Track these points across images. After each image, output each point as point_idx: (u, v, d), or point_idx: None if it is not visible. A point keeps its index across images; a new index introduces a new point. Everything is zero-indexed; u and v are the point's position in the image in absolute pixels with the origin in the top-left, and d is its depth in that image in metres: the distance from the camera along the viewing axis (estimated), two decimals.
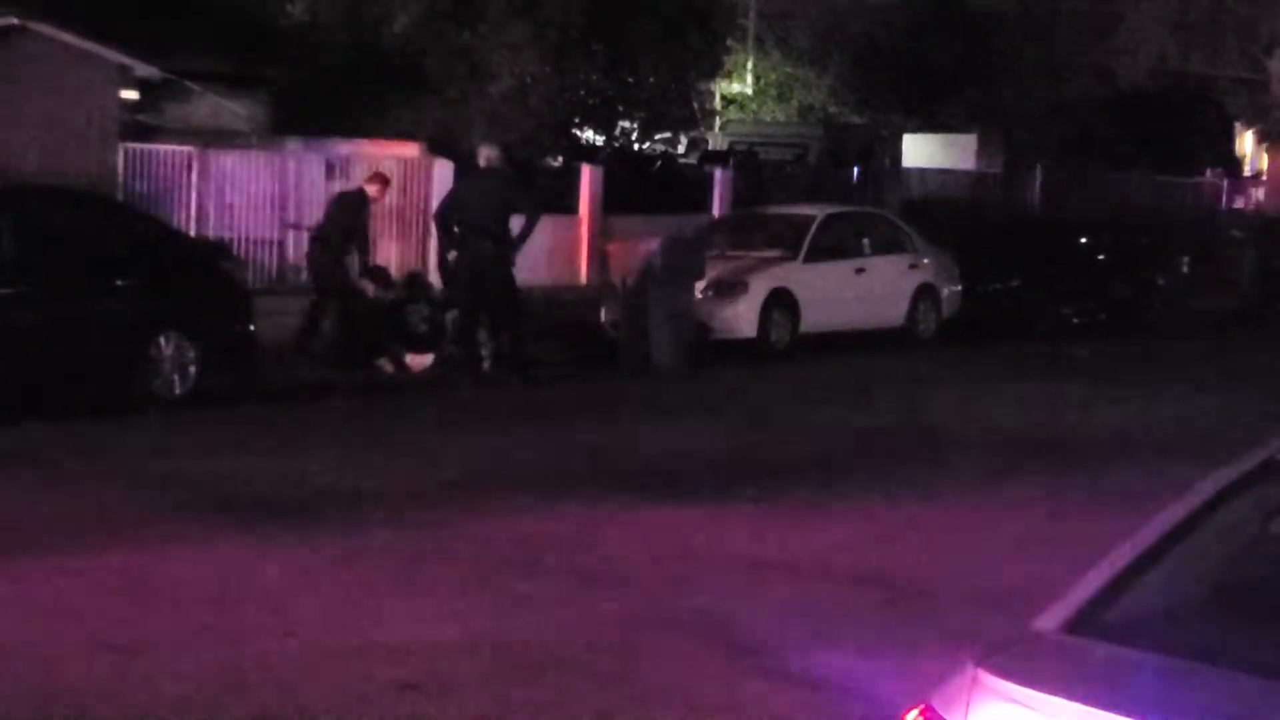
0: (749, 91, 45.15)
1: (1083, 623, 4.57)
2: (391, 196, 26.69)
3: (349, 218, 21.03)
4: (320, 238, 21.45)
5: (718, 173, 33.85)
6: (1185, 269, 31.81)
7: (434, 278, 23.01)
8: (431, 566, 10.69)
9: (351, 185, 23.82)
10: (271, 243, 26.34)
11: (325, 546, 11.12)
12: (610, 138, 37.71)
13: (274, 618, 9.36)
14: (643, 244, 22.73)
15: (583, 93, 34.92)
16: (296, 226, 26.24)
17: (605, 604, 9.85)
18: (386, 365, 20.37)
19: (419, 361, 20.44)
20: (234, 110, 30.00)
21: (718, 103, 43.47)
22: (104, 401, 16.39)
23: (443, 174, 27.14)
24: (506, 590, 10.11)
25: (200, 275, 18.14)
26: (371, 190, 21.70)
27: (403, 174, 27.61)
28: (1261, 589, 4.93)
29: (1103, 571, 4.76)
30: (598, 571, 10.66)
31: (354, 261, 21.16)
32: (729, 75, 43.34)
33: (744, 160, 36.71)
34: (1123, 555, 4.80)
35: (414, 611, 9.57)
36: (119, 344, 16.62)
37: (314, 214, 26.44)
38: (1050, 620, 4.61)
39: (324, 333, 20.70)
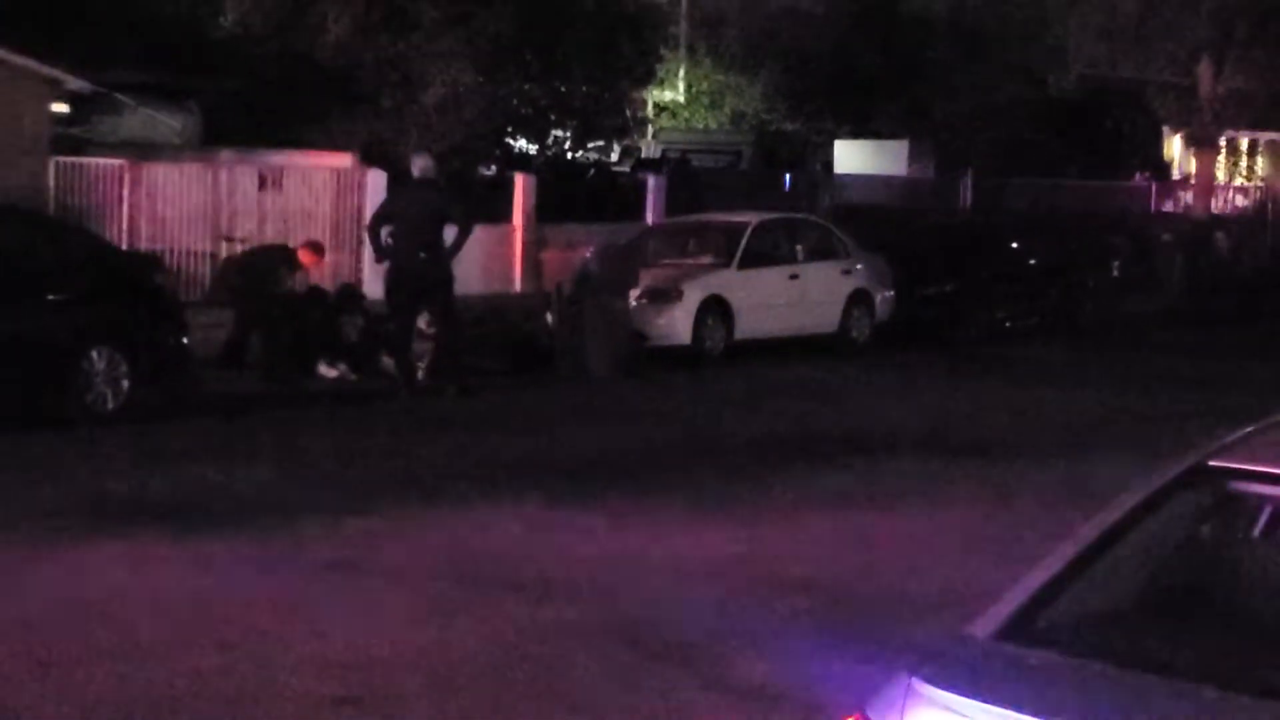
0: (681, 99, 45.19)
1: (1016, 629, 4.60)
2: (324, 208, 26.65)
3: (271, 275, 20.93)
4: (242, 261, 21.63)
5: (651, 180, 33.89)
6: (1116, 272, 32.05)
7: (368, 288, 23.00)
8: (367, 577, 10.68)
9: (292, 240, 23.68)
10: (204, 255, 26.22)
11: (260, 558, 11.09)
12: (543, 146, 37.72)
13: (210, 631, 9.33)
14: (578, 252, 22.78)
15: (515, 102, 34.95)
16: (229, 239, 26.15)
17: (540, 612, 9.85)
18: (328, 371, 20.34)
19: (338, 373, 20.39)
20: (166, 122, 29.88)
21: (650, 111, 43.51)
22: (36, 416, 16.28)
23: (376, 184, 27.09)
24: (442, 600, 10.11)
25: (132, 289, 18.03)
26: (304, 257, 21.62)
27: (336, 184, 27.56)
28: (1192, 594, 4.98)
29: (1036, 577, 4.79)
30: (531, 580, 10.66)
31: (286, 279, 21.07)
32: (661, 83, 43.38)
33: (677, 168, 36.74)
34: (1055, 561, 4.83)
35: (351, 623, 9.55)
36: (50, 358, 16.49)
37: (246, 226, 26.34)
38: (983, 627, 4.64)
39: (255, 345, 20.64)
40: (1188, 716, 4.14)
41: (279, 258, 21.48)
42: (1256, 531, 5.13)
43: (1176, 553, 5.09)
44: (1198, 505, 5.05)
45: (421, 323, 20.28)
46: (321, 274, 22.95)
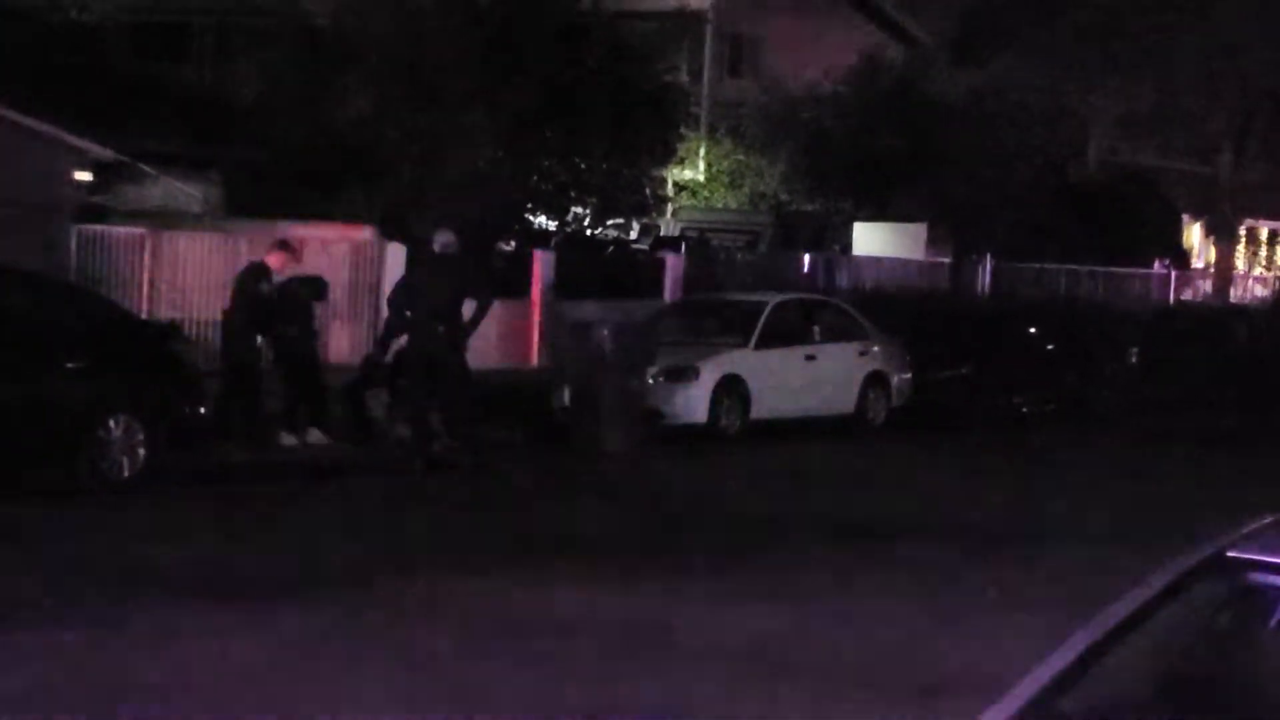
0: (701, 178, 45.27)
1: (1031, 717, 4.58)
2: (343, 279, 26.63)
3: (244, 293, 20.52)
4: (225, 314, 21.25)
5: (669, 258, 33.94)
6: (1134, 359, 32.00)
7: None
8: (381, 651, 10.64)
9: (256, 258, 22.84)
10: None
11: (274, 631, 11.06)
12: (563, 222, 37.79)
13: (222, 704, 9.30)
14: (594, 329, 22.78)
15: (536, 178, 35.02)
16: None
17: (555, 689, 9.81)
18: (286, 438, 20.14)
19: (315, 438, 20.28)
20: (187, 192, 30.01)
21: (670, 189, 43.60)
22: (51, 484, 16.27)
23: (395, 257, 27.16)
24: (458, 675, 10.07)
25: (151, 357, 18.07)
26: (272, 261, 20.70)
27: (354, 256, 27.62)
28: (1207, 685, 4.96)
29: (1051, 665, 4.77)
30: (546, 655, 10.63)
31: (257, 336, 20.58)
32: (681, 162, 43.45)
33: (696, 246, 36.80)
34: (1071, 649, 4.81)
35: (363, 697, 9.52)
36: (68, 426, 16.49)
37: None
38: (999, 714, 4.62)
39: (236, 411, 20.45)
40: None
41: (254, 268, 21.01)
42: (1273, 623, 5.11)
43: (1193, 643, 5.07)
44: (1215, 595, 5.03)
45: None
46: (298, 268, 21.97)
